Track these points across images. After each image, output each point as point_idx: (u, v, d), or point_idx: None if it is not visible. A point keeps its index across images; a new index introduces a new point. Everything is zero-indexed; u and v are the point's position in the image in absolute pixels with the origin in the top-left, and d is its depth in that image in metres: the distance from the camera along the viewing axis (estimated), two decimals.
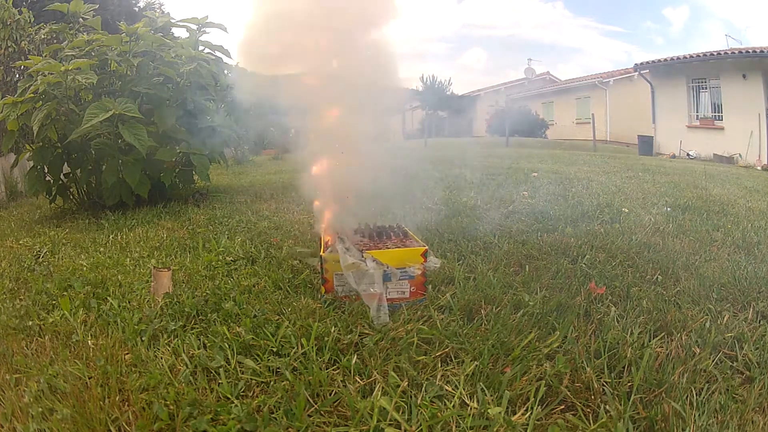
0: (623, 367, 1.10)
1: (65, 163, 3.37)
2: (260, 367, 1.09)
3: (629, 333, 1.25)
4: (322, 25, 1.50)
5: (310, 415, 0.94)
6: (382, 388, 1.01)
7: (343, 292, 1.45)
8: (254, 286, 1.59)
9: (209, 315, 1.36)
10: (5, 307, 1.52)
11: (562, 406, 0.99)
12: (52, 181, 3.41)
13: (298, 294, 1.53)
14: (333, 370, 1.09)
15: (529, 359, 1.10)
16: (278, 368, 1.08)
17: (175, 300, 1.46)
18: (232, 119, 3.78)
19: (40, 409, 0.97)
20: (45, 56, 3.40)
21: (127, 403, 0.99)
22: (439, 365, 1.10)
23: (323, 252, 1.46)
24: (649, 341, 1.21)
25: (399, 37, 1.67)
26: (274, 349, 1.16)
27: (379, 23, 1.60)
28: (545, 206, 2.88)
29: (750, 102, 11.08)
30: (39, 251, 2.23)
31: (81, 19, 3.73)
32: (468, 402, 0.97)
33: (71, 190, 3.54)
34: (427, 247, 1.49)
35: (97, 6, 3.86)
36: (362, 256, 1.42)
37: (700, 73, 12.52)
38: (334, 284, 1.45)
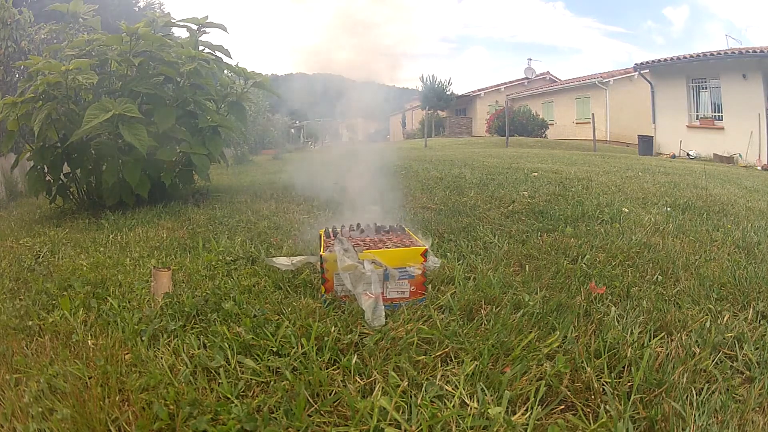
0: (623, 367, 1.10)
1: (65, 163, 3.37)
2: (260, 367, 1.09)
3: (629, 333, 1.25)
4: None
5: (310, 415, 0.94)
6: (382, 388, 1.01)
7: (343, 292, 1.44)
8: (254, 286, 1.59)
9: (209, 315, 1.36)
10: (5, 307, 1.52)
11: (562, 406, 0.99)
12: (52, 181, 3.41)
13: (298, 294, 1.53)
14: (333, 370, 1.09)
15: (529, 359, 1.10)
16: (278, 368, 1.08)
17: (175, 300, 1.46)
18: (231, 119, 3.78)
19: (40, 409, 0.97)
20: (45, 56, 3.40)
21: (127, 403, 0.99)
22: (439, 365, 1.10)
23: (323, 251, 1.46)
24: (649, 341, 1.21)
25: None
26: (274, 349, 1.16)
27: None
28: (545, 206, 2.88)
29: (750, 102, 11.10)
30: (39, 251, 2.23)
31: (81, 19, 3.73)
32: (468, 402, 0.97)
33: (71, 190, 3.54)
34: (427, 247, 1.49)
35: (97, 6, 3.86)
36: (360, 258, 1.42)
37: (700, 73, 12.53)
38: (334, 284, 1.45)
